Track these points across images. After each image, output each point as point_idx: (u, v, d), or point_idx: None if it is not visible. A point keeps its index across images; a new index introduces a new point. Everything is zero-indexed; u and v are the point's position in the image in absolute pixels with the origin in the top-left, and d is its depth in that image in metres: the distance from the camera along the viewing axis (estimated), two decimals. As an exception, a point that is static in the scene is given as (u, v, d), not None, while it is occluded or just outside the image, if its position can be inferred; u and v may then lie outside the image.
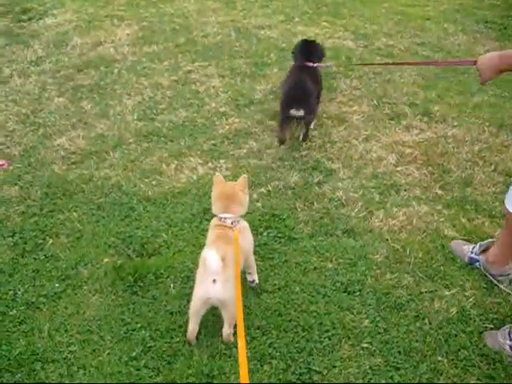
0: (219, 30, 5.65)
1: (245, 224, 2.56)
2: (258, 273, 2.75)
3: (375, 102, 4.49)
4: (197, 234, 3.00)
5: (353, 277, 2.83)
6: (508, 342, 2.51)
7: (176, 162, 3.60)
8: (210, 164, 3.59)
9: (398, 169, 3.71)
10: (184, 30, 5.59)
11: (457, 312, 2.70)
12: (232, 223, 2.43)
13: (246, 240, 2.52)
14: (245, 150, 3.75)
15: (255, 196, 3.32)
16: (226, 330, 2.40)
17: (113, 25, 5.70)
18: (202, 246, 2.84)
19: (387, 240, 3.10)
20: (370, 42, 5.62)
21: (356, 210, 3.29)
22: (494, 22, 6.45)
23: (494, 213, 3.36)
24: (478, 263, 2.96)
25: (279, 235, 3.06)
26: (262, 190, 3.38)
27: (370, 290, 2.77)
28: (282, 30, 5.73)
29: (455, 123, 4.30)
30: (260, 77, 4.74)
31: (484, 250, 2.95)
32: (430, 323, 2.63)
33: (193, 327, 2.39)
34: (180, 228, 3.04)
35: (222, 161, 3.63)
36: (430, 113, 4.39)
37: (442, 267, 2.96)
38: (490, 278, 2.89)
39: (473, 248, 2.99)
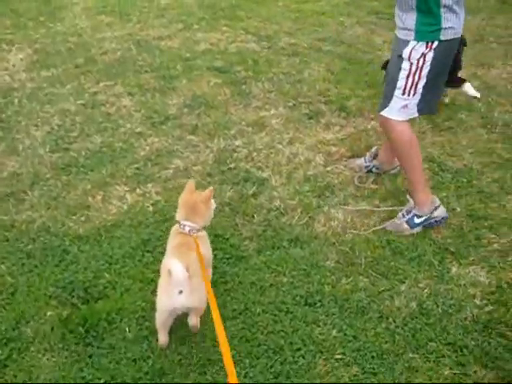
0: (118, 45, 5.40)
1: (204, 233, 2.54)
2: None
3: (291, 102, 4.47)
4: (142, 269, 2.81)
5: (310, 288, 2.77)
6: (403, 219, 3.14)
7: (102, 192, 3.37)
8: (138, 190, 3.39)
9: (328, 169, 3.70)
10: (81, 49, 5.30)
11: (417, 306, 2.71)
12: (189, 231, 2.42)
13: (206, 248, 2.50)
14: (171, 171, 3.58)
15: (193, 218, 3.18)
16: (193, 319, 2.35)
17: (2, 50, 5.29)
18: (149, 282, 2.71)
19: (334, 244, 3.07)
20: (273, 42, 5.60)
21: (297, 218, 3.24)
22: (384, 12, 6.63)
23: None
24: (373, 168, 3.59)
25: (227, 256, 2.94)
26: (199, 210, 3.24)
27: (331, 299, 2.72)
28: (182, 39, 5.58)
29: (372, 116, 4.36)
30: (170, 90, 4.58)
31: (374, 158, 3.59)
32: (395, 321, 2.63)
33: (163, 338, 2.35)
34: (122, 265, 2.84)
35: (149, 185, 3.45)
36: (346, 108, 4.43)
37: (392, 263, 2.96)
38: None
39: (364, 159, 3.61)
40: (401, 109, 2.93)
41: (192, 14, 6.26)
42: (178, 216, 2.52)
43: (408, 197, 3.20)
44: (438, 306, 2.73)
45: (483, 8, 6.80)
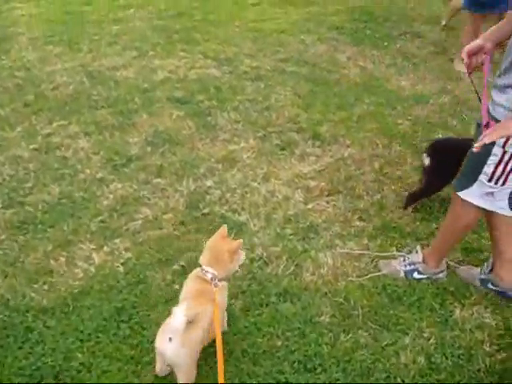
0: (69, 78, 5.02)
1: (224, 284, 2.38)
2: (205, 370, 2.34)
3: (261, 133, 4.22)
4: (118, 345, 2.48)
5: (308, 350, 2.50)
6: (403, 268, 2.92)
7: (65, 253, 3.02)
8: (105, 248, 3.06)
9: (309, 206, 3.45)
10: (30, 85, 4.89)
11: (425, 360, 2.51)
12: (211, 279, 2.26)
13: (223, 300, 2.35)
14: (139, 222, 3.26)
15: (169, 277, 2.87)
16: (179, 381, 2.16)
17: None
18: (128, 360, 2.41)
19: (326, 294, 2.81)
20: (234, 66, 5.34)
21: (282, 267, 2.97)
22: (343, 27, 6.51)
23: (418, 234, 3.23)
24: (489, 283, 2.88)
25: (212, 319, 2.64)
26: (175, 267, 2.93)
27: (332, 362, 2.46)
28: (138, 68, 5.25)
29: (347, 142, 4.15)
30: (130, 127, 4.25)
31: (492, 269, 2.89)
32: (404, 381, 2.40)
33: (158, 366, 2.26)
34: (95, 341, 2.50)
35: (117, 240, 3.11)
36: (320, 135, 4.21)
37: (391, 311, 2.74)
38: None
39: (481, 269, 2.92)
40: (484, 196, 2.45)
41: (145, 39, 5.94)
42: (202, 260, 2.36)
43: (418, 248, 2.96)
44: (447, 358, 2.53)
45: (441, 19, 6.71)
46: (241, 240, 2.38)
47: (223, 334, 2.28)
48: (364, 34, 6.33)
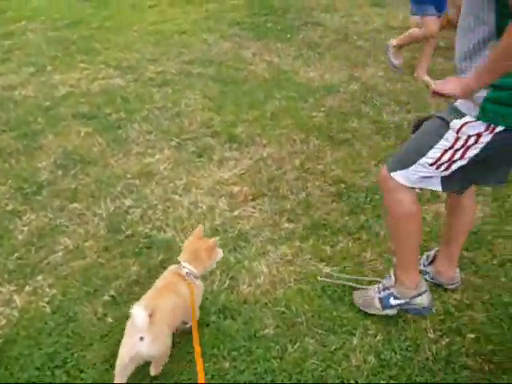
0: (-40, 104, 4.65)
1: (200, 282, 2.49)
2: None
3: (175, 141, 4.05)
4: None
5: (257, 368, 2.39)
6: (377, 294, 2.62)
7: (-18, 299, 2.76)
8: (27, 287, 2.81)
9: (235, 214, 3.34)
10: None
11: (375, 358, 2.46)
12: (187, 274, 2.38)
13: (198, 297, 2.46)
14: (60, 253, 3.02)
15: (100, 310, 2.67)
16: (154, 368, 2.27)
17: None
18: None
19: (267, 305, 2.72)
20: (139, 73, 5.13)
21: (218, 282, 2.84)
22: (244, 22, 6.43)
23: (349, 229, 3.20)
24: (428, 276, 2.83)
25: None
26: (105, 297, 2.74)
27: (283, 376, 2.36)
28: (37, 85, 4.92)
29: (264, 141, 4.07)
30: (37, 150, 3.96)
31: (431, 262, 2.86)
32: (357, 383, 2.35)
33: (122, 375, 2.17)
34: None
35: (39, 277, 2.87)
36: (236, 137, 4.10)
37: (334, 312, 2.68)
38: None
39: (421, 261, 2.87)
40: (420, 178, 2.28)
41: (41, 52, 5.59)
42: (181, 257, 2.46)
43: (391, 272, 2.63)
44: (396, 353, 2.49)
45: (339, 5, 6.77)
46: (216, 237, 2.55)
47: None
48: (266, 27, 6.28)
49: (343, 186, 3.60)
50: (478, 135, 2.05)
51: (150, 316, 2.07)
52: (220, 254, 2.57)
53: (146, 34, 6.06)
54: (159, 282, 2.39)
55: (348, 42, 6.01)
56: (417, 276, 2.57)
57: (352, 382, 2.36)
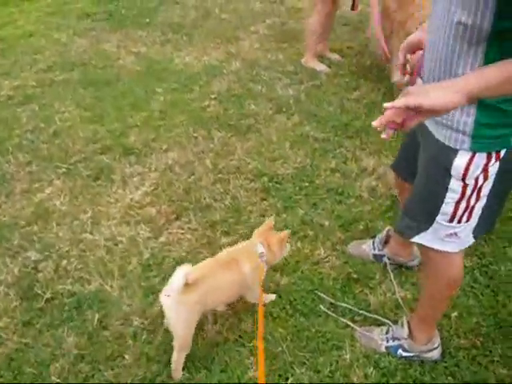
0: None
1: (264, 269, 2.34)
2: None
3: (63, 168, 3.49)
4: None
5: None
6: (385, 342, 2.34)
7: None
8: None
9: (163, 240, 2.93)
10: None
11: (375, 369, 2.27)
12: (261, 253, 2.31)
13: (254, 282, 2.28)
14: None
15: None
16: (174, 356, 2.20)
17: None
18: None
19: (238, 341, 2.39)
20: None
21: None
22: (95, 13, 5.86)
23: (291, 228, 2.90)
24: (385, 258, 2.71)
25: None
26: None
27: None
28: None
29: (163, 146, 3.65)
30: None
31: (385, 243, 2.72)
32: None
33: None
34: None
35: None
36: (130, 148, 3.63)
37: (313, 328, 2.43)
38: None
39: (373, 244, 2.74)
40: (445, 238, 1.87)
41: None
42: (255, 238, 2.39)
43: (404, 320, 2.33)
44: (392, 357, 2.33)
45: None
46: (288, 231, 2.44)
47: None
48: (120, 14, 5.71)
49: (266, 179, 3.32)
50: (485, 170, 1.65)
51: (188, 283, 2.04)
52: (288, 248, 2.50)
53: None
54: (225, 253, 2.36)
55: (212, 18, 5.63)
56: (433, 331, 2.30)
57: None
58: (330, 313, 2.49)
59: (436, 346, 2.29)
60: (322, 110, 4.01)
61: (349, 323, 2.44)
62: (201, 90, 4.31)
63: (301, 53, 4.78)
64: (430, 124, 1.73)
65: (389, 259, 2.70)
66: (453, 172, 1.67)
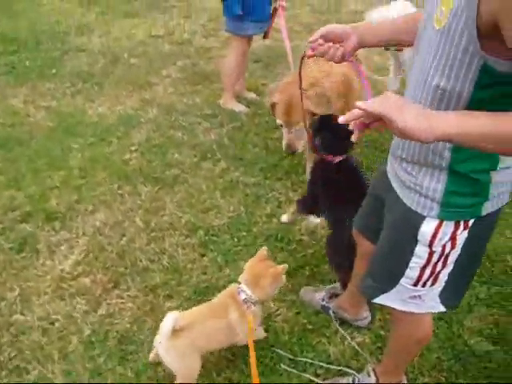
0: None
1: (258, 309, 2.32)
2: None
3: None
4: None
5: None
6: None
7: None
8: None
9: (102, 312, 2.76)
10: None
11: None
12: (244, 300, 2.25)
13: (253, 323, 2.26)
14: None
15: None
16: None
17: None
18: None
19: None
20: None
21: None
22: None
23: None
24: (330, 311, 2.66)
25: None
26: None
27: None
28: None
29: (89, 207, 3.48)
30: None
31: (331, 297, 2.70)
32: None
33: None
34: None
35: None
36: (53, 212, 3.44)
37: None
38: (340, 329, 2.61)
39: (322, 296, 2.71)
40: (408, 299, 1.80)
41: None
42: (241, 278, 2.33)
43: (370, 369, 2.31)
44: None
45: (92, 25, 6.17)
46: (285, 265, 2.33)
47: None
48: (24, 66, 5.44)
49: (202, 232, 3.24)
50: (453, 238, 1.60)
51: (178, 329, 2.08)
52: (283, 281, 2.37)
53: None
54: (213, 301, 2.34)
55: (121, 63, 5.51)
56: (401, 376, 2.28)
57: None
58: (290, 370, 2.43)
59: None
60: (248, 153, 3.99)
61: (312, 378, 2.39)
62: (119, 142, 4.17)
63: (216, 94, 4.76)
64: (396, 185, 1.70)
65: (334, 313, 2.67)
66: (419, 237, 1.62)
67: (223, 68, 4.50)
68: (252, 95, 4.79)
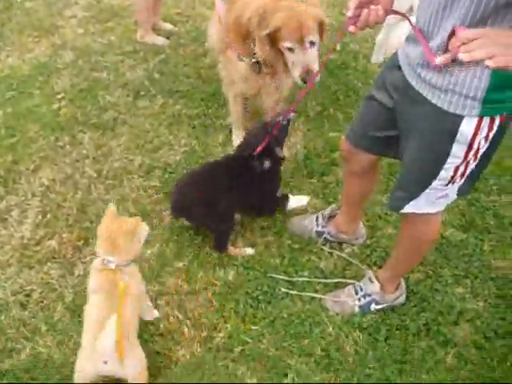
0: None
1: (134, 268, 2.10)
2: None
3: None
4: None
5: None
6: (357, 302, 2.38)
7: None
8: None
9: (79, 272, 2.63)
10: None
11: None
12: (117, 266, 1.99)
13: (138, 286, 2.10)
14: None
15: None
16: None
17: None
18: None
19: None
20: None
21: None
22: None
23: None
24: (327, 235, 2.66)
25: None
26: None
27: None
28: None
29: (30, 166, 3.22)
30: None
31: (329, 218, 2.66)
32: None
33: None
34: None
35: None
36: None
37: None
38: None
39: (316, 220, 2.66)
40: (436, 200, 1.87)
41: None
42: (98, 249, 2.05)
43: (372, 276, 2.38)
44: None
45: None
46: (138, 217, 2.11)
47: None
48: None
49: (159, 172, 3.12)
50: (488, 133, 1.63)
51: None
52: (145, 229, 2.15)
53: None
54: (100, 281, 2.01)
55: (16, 8, 4.98)
56: (400, 278, 2.40)
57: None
58: (291, 292, 2.42)
59: (403, 290, 2.38)
60: (183, 85, 3.81)
61: (314, 295, 2.40)
62: (42, 92, 3.84)
63: (131, 30, 4.46)
64: (422, 89, 1.66)
65: (331, 236, 2.67)
66: (458, 137, 1.63)
67: (136, 1, 4.20)
68: (169, 26, 4.53)
